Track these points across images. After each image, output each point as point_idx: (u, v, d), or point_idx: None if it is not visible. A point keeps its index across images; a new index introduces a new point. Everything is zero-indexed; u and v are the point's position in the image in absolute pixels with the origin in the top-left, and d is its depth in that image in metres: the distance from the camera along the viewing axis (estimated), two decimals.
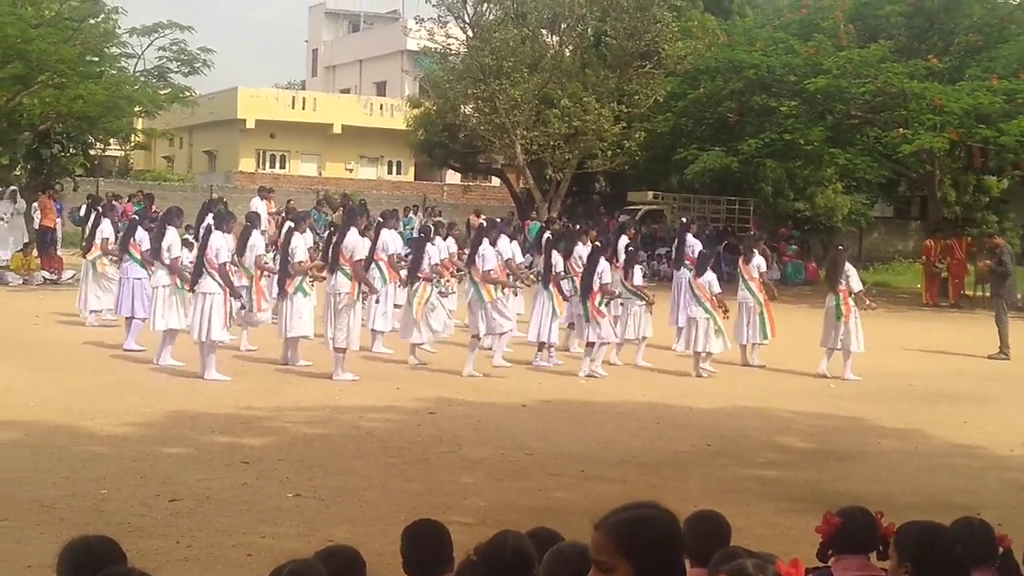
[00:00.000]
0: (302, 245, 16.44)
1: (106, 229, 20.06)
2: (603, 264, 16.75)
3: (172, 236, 16.55)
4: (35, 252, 27.84)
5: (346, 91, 64.42)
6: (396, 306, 18.37)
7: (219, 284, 14.90)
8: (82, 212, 35.75)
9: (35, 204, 29.64)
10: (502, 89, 36.26)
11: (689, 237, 19.82)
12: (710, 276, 17.22)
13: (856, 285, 17.55)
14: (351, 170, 57.91)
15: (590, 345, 16.51)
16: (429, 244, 17.31)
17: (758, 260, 18.66)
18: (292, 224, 16.97)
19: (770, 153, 35.86)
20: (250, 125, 56.09)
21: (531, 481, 9.98)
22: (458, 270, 19.51)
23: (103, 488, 9.11)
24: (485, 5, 38.24)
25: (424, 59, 43.90)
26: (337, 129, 57.27)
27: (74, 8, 31.07)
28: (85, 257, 20.35)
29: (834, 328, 17.34)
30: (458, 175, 54.88)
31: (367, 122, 57.39)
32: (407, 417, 12.83)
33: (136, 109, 34.15)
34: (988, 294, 23.77)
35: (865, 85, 31.10)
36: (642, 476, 10.31)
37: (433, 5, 38.28)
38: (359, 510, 8.76)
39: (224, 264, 15.07)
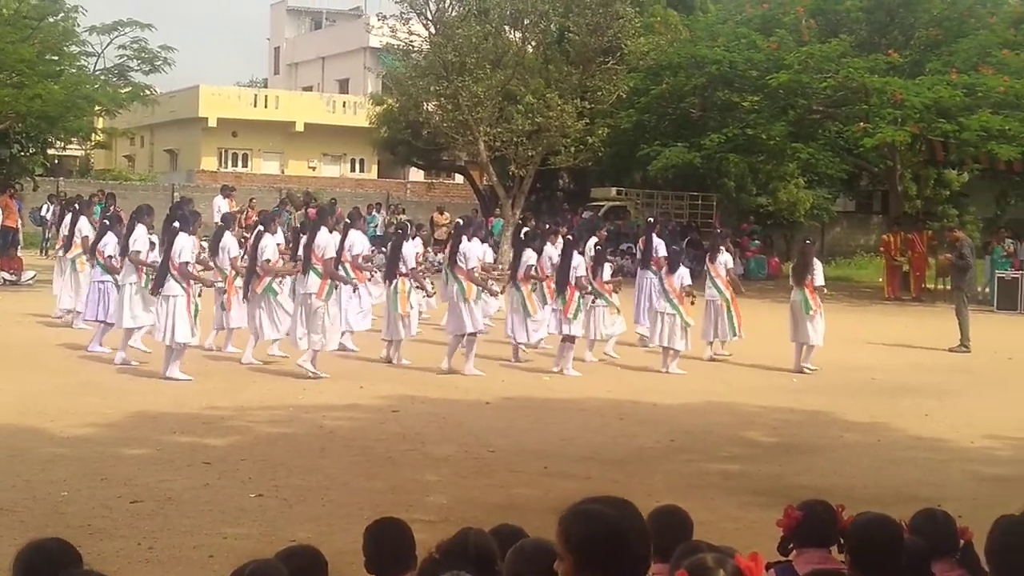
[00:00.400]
0: (272, 245, 16.34)
1: (84, 227, 19.91)
2: (577, 258, 16.79)
3: (140, 233, 16.42)
4: None
5: (308, 89, 64.21)
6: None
7: (183, 287, 14.78)
8: (44, 212, 35.58)
9: None
10: (465, 86, 36.20)
11: (654, 237, 19.94)
12: (682, 271, 17.31)
13: (819, 280, 17.63)
14: (314, 168, 57.74)
15: (569, 340, 16.57)
16: (406, 242, 17.27)
17: (724, 257, 18.71)
18: (262, 225, 16.90)
19: (733, 148, 36.00)
20: (212, 123, 55.83)
21: (494, 478, 9.97)
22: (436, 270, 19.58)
23: (63, 490, 9.03)
24: (447, 2, 38.15)
25: (387, 56, 43.77)
26: (300, 127, 57.08)
27: (33, 7, 30.83)
28: (65, 255, 20.20)
29: (803, 322, 17.42)
30: (421, 172, 54.81)
31: (330, 120, 57.24)
32: (371, 415, 12.79)
33: (96, 108, 33.91)
34: (949, 287, 23.91)
35: (826, 80, 31.26)
36: (606, 472, 10.31)
37: (396, 2, 38.16)
38: (322, 509, 8.72)
39: (186, 264, 14.91)
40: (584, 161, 38.24)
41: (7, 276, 26.71)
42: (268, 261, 16.17)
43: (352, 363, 16.67)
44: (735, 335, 18.38)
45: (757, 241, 40.05)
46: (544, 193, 45.93)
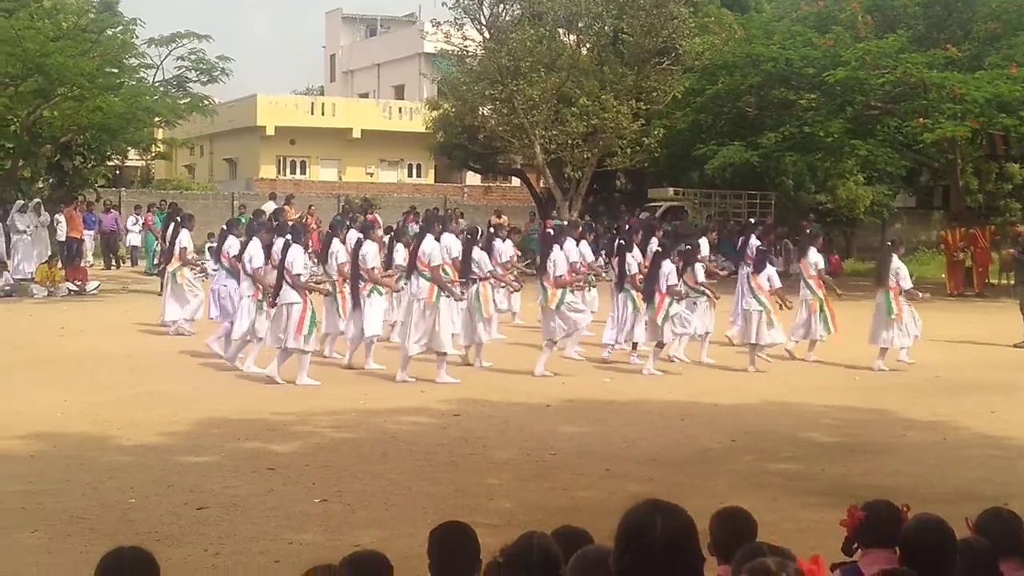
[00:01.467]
0: (373, 252, 16.64)
1: (184, 239, 20.31)
2: (668, 266, 16.90)
3: (255, 247, 16.45)
4: (59, 264, 27.99)
5: (364, 95, 64.48)
6: None
7: (299, 294, 15.10)
8: (131, 223, 36.03)
9: (58, 216, 29.80)
10: (520, 89, 36.25)
11: (752, 239, 20.30)
12: (769, 271, 17.53)
13: (906, 283, 17.60)
14: (371, 174, 57.95)
15: (660, 345, 16.82)
16: (477, 246, 17.62)
17: (815, 257, 18.70)
18: (362, 232, 17.16)
19: (790, 146, 35.80)
20: (270, 132, 56.19)
21: (556, 481, 9.99)
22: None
23: (131, 498, 9.15)
24: (501, 6, 38.23)
25: (441, 61, 43.91)
26: (356, 134, 57.32)
27: (92, 20, 31.16)
28: (166, 268, 20.64)
29: (886, 325, 17.41)
30: (478, 176, 54.86)
31: (386, 126, 57.43)
32: (433, 420, 12.85)
33: (156, 119, 34.22)
34: (1013, 282, 23.59)
35: (884, 76, 30.99)
36: (668, 474, 10.30)
37: (449, 8, 38.30)
38: (385, 514, 8.78)
39: (299, 275, 15.16)
40: (640, 162, 38.18)
41: (72, 286, 27.06)
42: (373, 269, 16.49)
43: (416, 367, 16.70)
44: (828, 333, 18.28)
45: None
46: (601, 194, 45.86)
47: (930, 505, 5.51)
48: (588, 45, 39.63)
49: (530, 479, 10.07)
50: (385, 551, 4.77)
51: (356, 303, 16.48)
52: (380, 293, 16.71)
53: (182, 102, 33.65)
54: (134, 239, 36.21)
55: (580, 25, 38.60)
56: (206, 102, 34.43)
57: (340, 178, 56.81)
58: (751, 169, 37.76)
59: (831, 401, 14.43)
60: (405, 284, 16.64)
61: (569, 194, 38.69)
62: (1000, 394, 15.16)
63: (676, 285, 16.72)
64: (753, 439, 12.04)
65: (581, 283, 18.22)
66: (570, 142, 36.67)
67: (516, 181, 51.59)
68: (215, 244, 19.91)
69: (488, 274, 17.36)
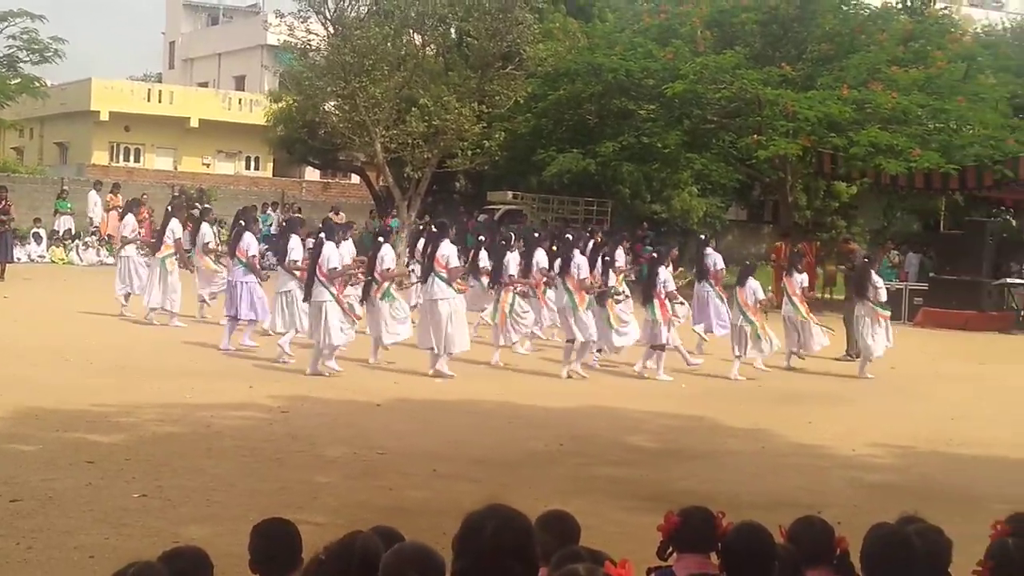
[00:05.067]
0: (391, 254, 17.04)
1: (176, 228, 20.56)
2: (665, 273, 17.58)
3: (295, 243, 17.15)
4: None
5: (204, 85, 63.45)
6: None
7: (331, 292, 15.51)
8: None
9: None
10: (363, 87, 36.04)
11: (709, 250, 20.81)
12: (753, 284, 18.22)
13: (883, 296, 19.01)
14: (208, 165, 57.05)
15: (660, 348, 17.29)
16: (509, 252, 18.27)
17: (801, 276, 19.59)
18: (381, 236, 17.54)
19: (628, 156, 36.31)
20: (104, 117, 54.86)
21: (384, 480, 9.96)
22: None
23: None
24: (347, 2, 37.96)
25: (284, 54, 43.40)
26: (194, 123, 56.35)
27: None
28: (154, 255, 20.76)
29: (867, 335, 18.63)
30: (317, 172, 54.44)
31: (225, 116, 56.61)
32: (260, 415, 12.69)
33: None
34: (830, 297, 24.10)
35: (721, 91, 31.67)
36: (495, 475, 10.35)
37: (294, 0, 37.91)
38: (207, 510, 8.64)
39: (333, 269, 15.65)
40: (480, 164, 38.29)
41: None
42: (388, 269, 16.77)
43: (241, 362, 16.52)
44: (825, 342, 19.34)
45: (650, 247, 40.31)
46: (440, 195, 45.87)
47: (748, 512, 5.64)
48: (433, 46, 39.62)
49: (357, 478, 10.03)
50: (206, 548, 4.69)
51: (365, 299, 16.80)
52: (393, 298, 16.96)
53: (12, 83, 32.70)
54: None
55: (426, 25, 38.56)
56: (37, 83, 33.52)
57: (175, 167, 55.76)
58: (589, 176, 38.18)
59: (657, 407, 14.68)
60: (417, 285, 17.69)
61: (408, 193, 38.60)
62: (819, 405, 15.62)
63: (674, 290, 17.71)
64: (580, 443, 12.18)
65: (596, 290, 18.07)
66: (411, 142, 36.59)
67: (355, 178, 51.33)
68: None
69: (509, 279, 18.08)
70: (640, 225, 38.54)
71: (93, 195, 31.14)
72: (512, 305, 18.12)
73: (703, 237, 21.77)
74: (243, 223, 18.83)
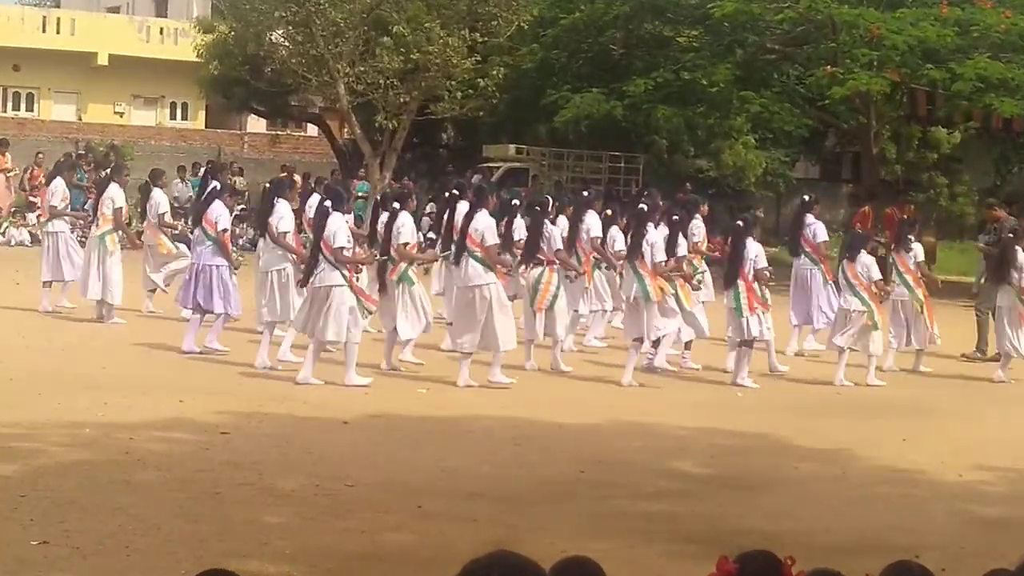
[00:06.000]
0: (410, 225, 17.07)
1: (117, 196, 20.71)
2: (754, 247, 17.47)
3: (283, 208, 17.67)
4: None
5: (115, 10, 63.40)
6: None
7: (343, 274, 15.63)
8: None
9: None
10: (320, 10, 36.06)
11: (809, 217, 20.82)
12: (867, 259, 18.19)
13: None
14: (122, 114, 57.05)
15: (745, 344, 17.35)
16: (548, 222, 18.08)
17: (916, 248, 19.67)
18: (397, 201, 17.39)
19: (664, 97, 36.29)
20: None
21: (354, 520, 9.98)
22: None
23: None
24: None
25: None
26: (103, 60, 56.30)
27: None
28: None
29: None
30: (263, 122, 54.44)
31: (143, 51, 56.53)
32: (194, 437, 12.71)
33: None
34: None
35: (784, 11, 31.67)
36: (497, 513, 10.36)
37: None
38: (127, 560, 8.67)
39: (341, 249, 15.70)
40: (473, 110, 38.29)
41: None
42: (406, 244, 16.83)
43: (178, 370, 16.55)
44: (933, 342, 19.46)
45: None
46: (423, 150, 46.01)
47: (825, 556, 5.67)
48: None
49: (319, 517, 10.04)
50: None
51: (383, 288, 16.87)
52: (412, 282, 17.02)
53: None
54: None
55: None
56: None
57: (80, 118, 55.78)
58: (614, 124, 38.13)
59: (705, 423, 14.68)
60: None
61: (381, 148, 38.65)
62: (915, 418, 15.64)
63: (765, 268, 17.49)
64: (606, 469, 12.19)
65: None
66: (384, 82, 36.60)
67: (313, 130, 51.37)
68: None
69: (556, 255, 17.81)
70: (682, 186, 38.57)
71: None
72: (557, 290, 17.86)
73: (806, 199, 21.85)
74: (213, 188, 19.04)
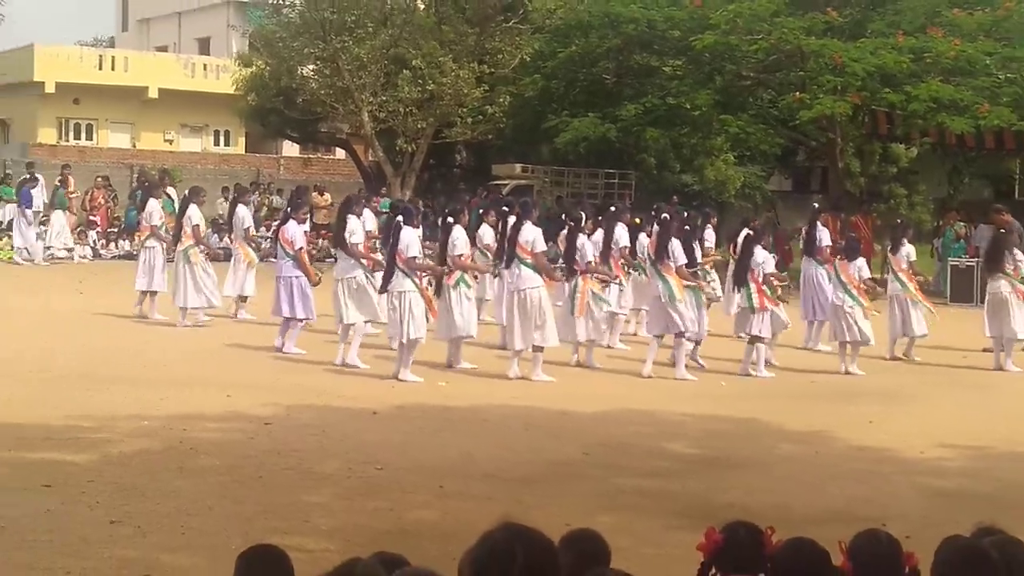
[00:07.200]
0: (463, 238, 17.01)
1: (195, 215, 20.98)
2: (762, 253, 17.60)
3: (355, 224, 17.75)
4: None
5: (163, 49, 63.39)
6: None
7: (414, 281, 15.89)
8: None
9: None
10: (345, 47, 36.07)
11: (819, 225, 21.10)
12: (859, 262, 18.49)
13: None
14: (171, 141, 57.02)
15: (756, 339, 17.50)
16: (581, 234, 17.86)
17: (907, 249, 19.74)
18: (451, 216, 17.37)
19: (653, 120, 36.20)
20: (50, 89, 54.84)
21: (383, 499, 10.00)
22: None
23: None
24: None
25: (254, 11, 43.53)
26: (153, 93, 56.29)
27: None
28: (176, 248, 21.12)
29: (1008, 313, 18.77)
30: (296, 147, 54.45)
31: (188, 85, 56.51)
32: (240, 427, 12.74)
33: None
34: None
35: (758, 42, 31.57)
36: (510, 492, 10.38)
37: None
38: (182, 538, 8.69)
39: (413, 258, 15.97)
40: (483, 134, 38.30)
41: None
42: (460, 255, 16.82)
43: (222, 367, 16.57)
44: (926, 330, 19.57)
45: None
46: (439, 170, 45.94)
47: (800, 526, 5.67)
48: None
49: (353, 497, 10.07)
50: None
51: (438, 294, 16.84)
52: (468, 285, 17.02)
53: None
54: None
55: None
56: None
57: (134, 145, 55.75)
58: (608, 145, 38.10)
59: (697, 409, 14.70)
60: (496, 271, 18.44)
61: (402, 169, 38.65)
62: (881, 402, 15.65)
63: (771, 275, 17.57)
64: (607, 452, 12.20)
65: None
66: (403, 109, 36.62)
67: (341, 153, 51.34)
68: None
69: (587, 266, 17.64)
70: (670, 199, 38.47)
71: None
72: (593, 297, 17.69)
73: (816, 206, 22.03)
74: (289, 208, 19.54)
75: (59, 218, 33.62)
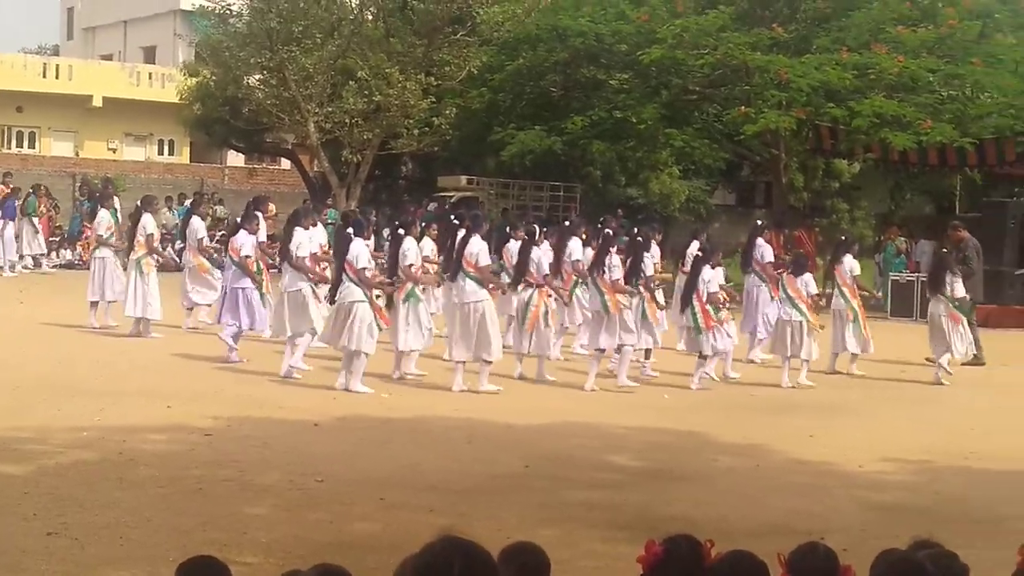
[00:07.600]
0: (414, 248, 17.06)
1: (148, 224, 20.87)
2: (709, 271, 17.57)
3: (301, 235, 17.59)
4: None
5: (108, 57, 63.11)
6: None
7: (364, 293, 15.90)
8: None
9: None
10: (292, 58, 35.99)
11: (760, 240, 20.99)
12: (807, 277, 18.48)
13: (960, 291, 19.28)
14: (115, 150, 56.77)
15: (703, 357, 17.49)
16: (536, 247, 17.97)
17: (851, 263, 19.76)
18: (402, 228, 17.44)
19: (599, 133, 36.31)
20: None
21: (324, 512, 9.95)
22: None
23: None
24: None
25: (200, 21, 43.27)
26: (97, 102, 56.05)
27: None
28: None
29: (948, 334, 18.90)
30: (241, 157, 54.31)
31: (133, 94, 56.32)
32: (180, 439, 12.65)
33: None
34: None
35: (704, 57, 31.71)
36: (451, 503, 10.35)
37: None
38: (120, 550, 8.61)
39: (363, 269, 15.92)
40: (430, 145, 38.30)
41: None
42: (411, 266, 16.84)
43: (160, 377, 16.47)
44: (866, 350, 19.58)
45: (625, 238, 40.35)
46: (384, 181, 45.88)
47: (741, 539, 5.68)
48: (373, 10, 39.56)
49: (293, 509, 10.01)
50: None
51: (390, 305, 16.85)
52: (418, 299, 17.10)
53: None
54: None
55: None
56: None
57: (77, 154, 55.45)
58: (554, 157, 38.18)
59: (639, 422, 14.72)
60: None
61: (347, 180, 38.58)
62: (821, 416, 15.68)
63: (716, 294, 17.48)
64: (549, 464, 12.19)
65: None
66: (348, 120, 36.57)
67: (286, 163, 51.22)
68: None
69: (544, 280, 17.65)
70: (614, 212, 38.60)
71: None
72: (546, 311, 17.73)
73: (759, 223, 22.02)
74: (239, 218, 19.65)
75: (28, 227, 33.42)
